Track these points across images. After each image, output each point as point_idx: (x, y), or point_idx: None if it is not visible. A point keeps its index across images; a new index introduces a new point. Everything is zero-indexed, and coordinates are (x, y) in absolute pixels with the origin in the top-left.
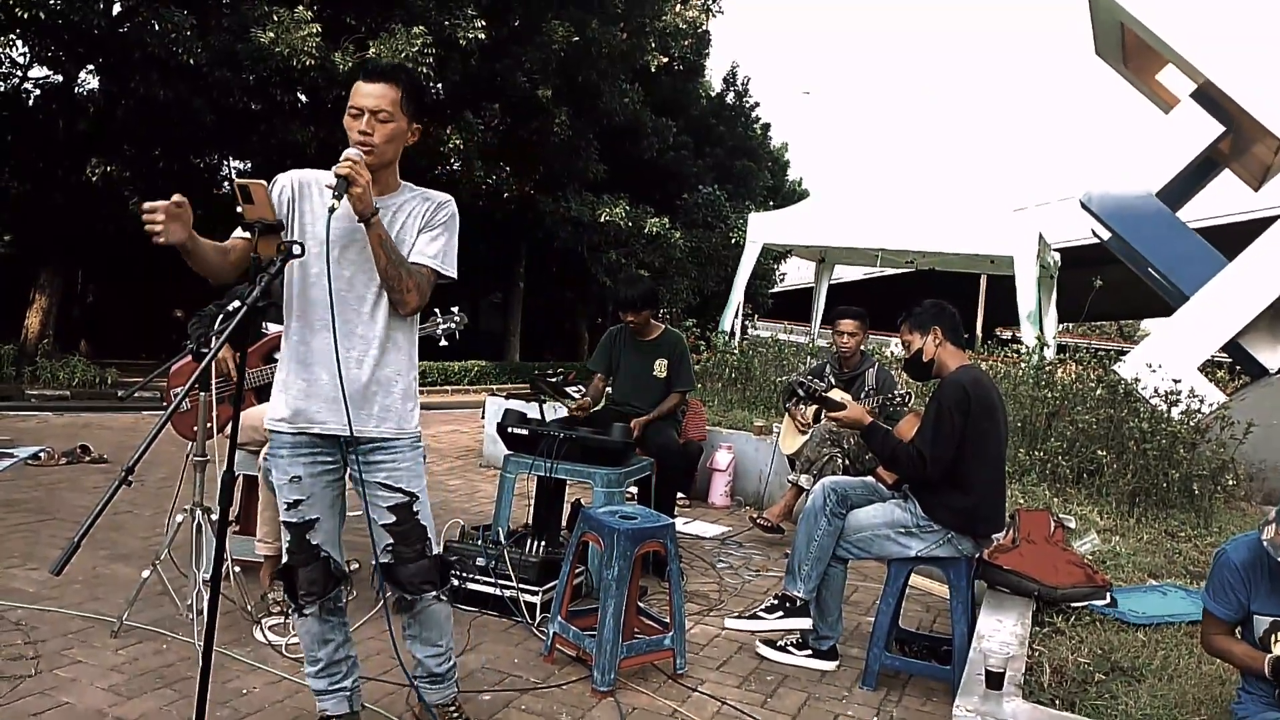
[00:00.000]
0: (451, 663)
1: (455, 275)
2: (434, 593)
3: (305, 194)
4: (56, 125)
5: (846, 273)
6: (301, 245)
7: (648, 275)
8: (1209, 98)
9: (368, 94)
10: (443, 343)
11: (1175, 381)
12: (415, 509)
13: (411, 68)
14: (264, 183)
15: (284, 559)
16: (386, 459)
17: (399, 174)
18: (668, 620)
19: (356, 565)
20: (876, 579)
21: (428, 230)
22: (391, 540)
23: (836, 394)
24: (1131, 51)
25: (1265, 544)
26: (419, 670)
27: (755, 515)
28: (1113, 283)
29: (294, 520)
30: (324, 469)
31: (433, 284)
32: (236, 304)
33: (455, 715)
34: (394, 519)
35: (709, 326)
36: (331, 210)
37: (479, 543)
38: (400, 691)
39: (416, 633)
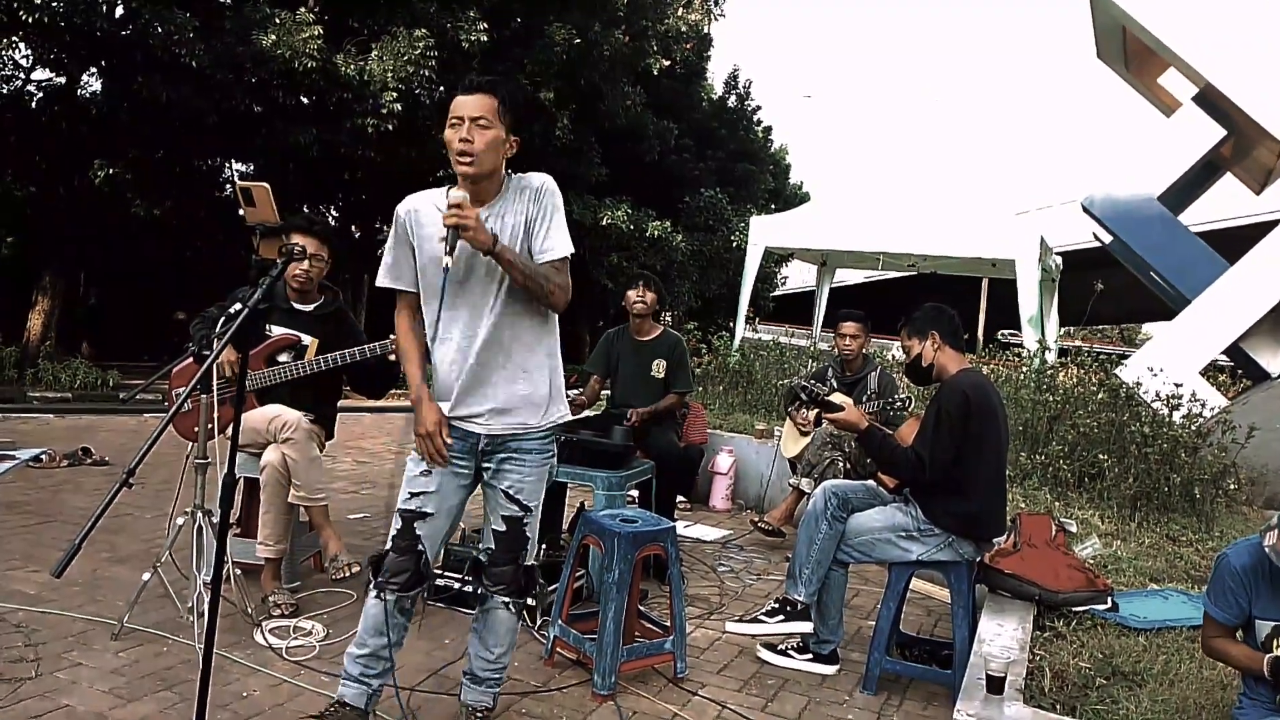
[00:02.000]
0: (496, 676)
1: (571, 249)
2: (504, 598)
3: (418, 220)
4: (59, 127)
5: (848, 276)
6: (303, 248)
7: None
8: (1210, 101)
9: (466, 103)
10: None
11: (1177, 385)
12: (525, 522)
13: (413, 71)
14: (266, 185)
15: (387, 544)
16: (514, 469)
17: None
18: (668, 624)
19: (358, 568)
20: (877, 583)
21: (540, 222)
22: (494, 546)
23: (837, 397)
24: (1133, 55)
25: (1268, 550)
26: (467, 665)
27: (756, 519)
28: (1115, 286)
29: (409, 509)
30: (455, 472)
31: (568, 267)
32: (238, 306)
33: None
34: (504, 528)
35: (710, 330)
36: (446, 268)
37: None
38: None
39: (479, 629)
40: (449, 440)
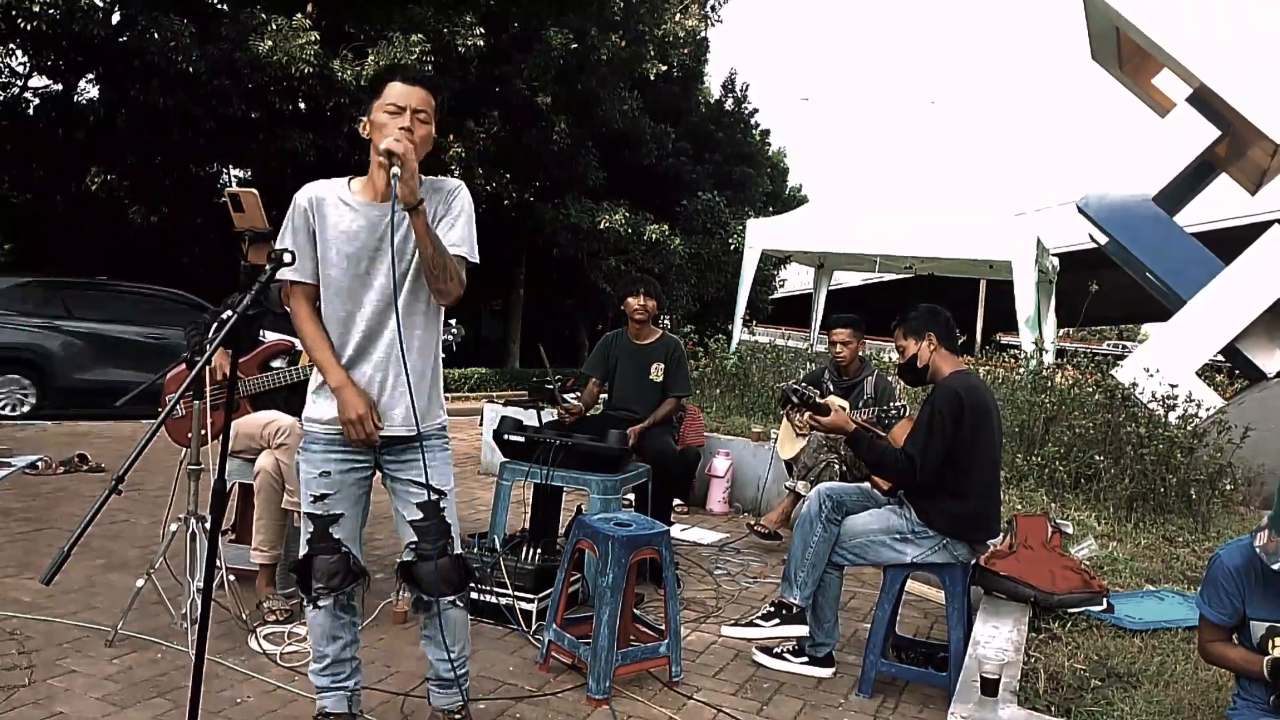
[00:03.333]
0: (462, 670)
1: (478, 259)
2: (451, 597)
3: (321, 210)
4: (56, 134)
5: (846, 278)
6: (293, 253)
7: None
8: (1204, 102)
9: (409, 94)
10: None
11: (1172, 386)
12: (442, 506)
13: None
14: (255, 192)
15: (304, 550)
16: (417, 457)
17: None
18: (664, 628)
19: None
20: (873, 585)
21: (446, 219)
22: (415, 538)
23: (833, 400)
24: (1127, 56)
25: (1258, 549)
26: (430, 671)
27: (753, 522)
28: (1113, 287)
29: (319, 513)
30: (354, 467)
31: (464, 270)
32: (229, 313)
33: None
34: (421, 515)
35: (708, 333)
36: (394, 175)
37: (475, 550)
38: (394, 700)
39: (432, 634)
40: (380, 423)
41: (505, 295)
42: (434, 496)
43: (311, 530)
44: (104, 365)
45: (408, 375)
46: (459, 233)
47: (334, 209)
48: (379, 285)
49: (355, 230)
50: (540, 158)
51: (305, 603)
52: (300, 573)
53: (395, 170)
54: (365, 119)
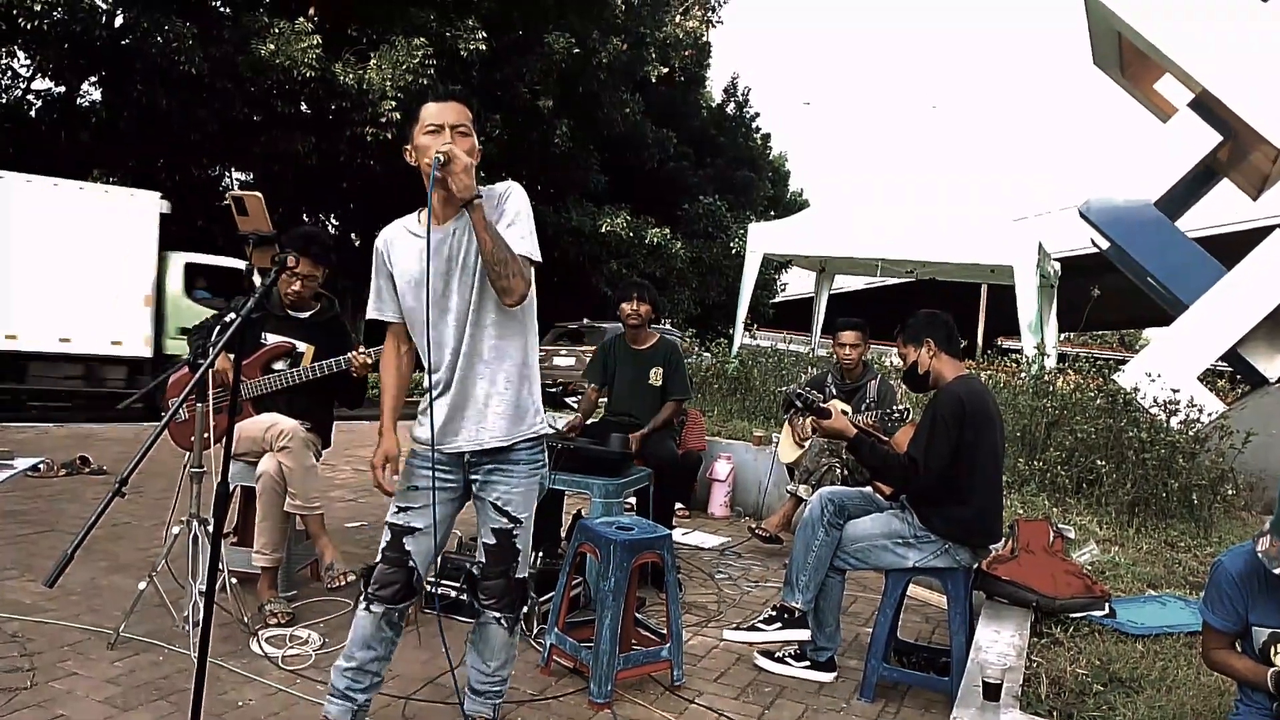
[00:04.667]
0: (496, 689)
1: (540, 258)
2: (496, 614)
3: (392, 248)
4: (59, 136)
5: (847, 282)
6: (296, 256)
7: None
8: (1206, 107)
9: (445, 111)
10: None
11: (1174, 391)
12: (515, 534)
13: (411, 80)
14: (259, 195)
15: (378, 557)
16: (502, 480)
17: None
18: (665, 631)
19: (354, 577)
20: (875, 590)
21: (500, 222)
22: (484, 560)
23: (836, 404)
24: (1129, 61)
25: (1260, 555)
26: (468, 675)
27: (754, 526)
28: (1114, 292)
29: (397, 523)
30: (442, 485)
31: (531, 270)
32: (232, 315)
33: None
34: (494, 541)
35: (709, 337)
36: (438, 162)
37: (475, 553)
38: (395, 704)
39: (475, 642)
40: (395, 478)
41: None
42: (508, 525)
43: (388, 538)
44: None
45: (488, 387)
46: (517, 231)
47: (401, 243)
48: (454, 305)
49: (424, 256)
50: (542, 161)
51: (360, 598)
52: (366, 573)
53: (437, 157)
54: (408, 147)
